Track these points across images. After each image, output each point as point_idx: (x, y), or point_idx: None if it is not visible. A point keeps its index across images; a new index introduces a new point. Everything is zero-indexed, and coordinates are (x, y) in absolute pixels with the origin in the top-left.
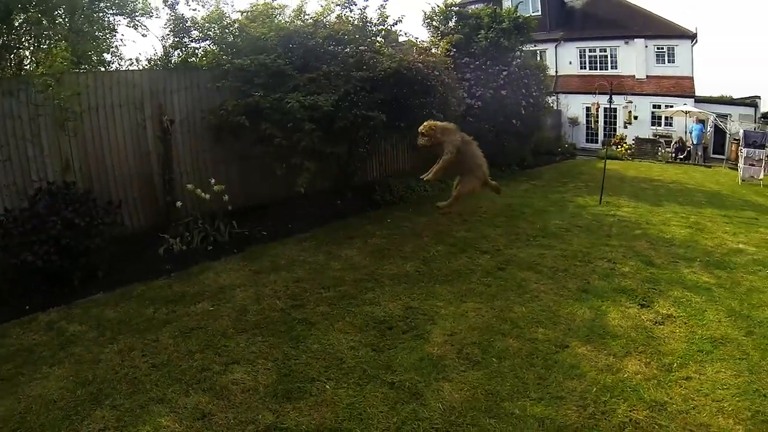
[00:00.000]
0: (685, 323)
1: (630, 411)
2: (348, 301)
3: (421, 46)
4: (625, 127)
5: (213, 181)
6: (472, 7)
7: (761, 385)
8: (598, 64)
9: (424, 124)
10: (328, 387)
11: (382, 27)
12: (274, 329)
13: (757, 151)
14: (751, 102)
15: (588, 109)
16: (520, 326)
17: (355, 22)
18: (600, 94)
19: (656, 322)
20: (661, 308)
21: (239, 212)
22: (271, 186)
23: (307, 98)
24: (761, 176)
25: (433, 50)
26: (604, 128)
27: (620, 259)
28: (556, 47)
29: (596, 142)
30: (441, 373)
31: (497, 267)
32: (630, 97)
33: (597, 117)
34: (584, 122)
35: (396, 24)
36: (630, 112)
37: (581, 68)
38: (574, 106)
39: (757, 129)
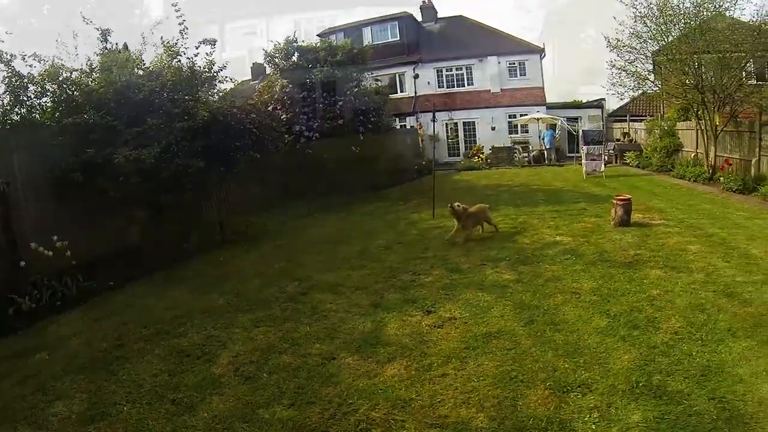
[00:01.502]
0: (465, 323)
1: (370, 410)
2: (162, 336)
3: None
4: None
5: (56, 237)
6: (333, 36)
7: (521, 371)
8: (456, 82)
9: (457, 205)
10: (125, 408)
11: (207, 74)
12: (95, 367)
13: (596, 147)
14: (598, 104)
15: (454, 125)
16: (299, 344)
17: (184, 72)
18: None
19: (435, 326)
20: (445, 312)
21: (88, 265)
22: (119, 236)
23: (133, 152)
24: (602, 168)
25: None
26: (465, 142)
27: (426, 271)
28: (414, 69)
29: (458, 155)
30: (216, 389)
31: (301, 293)
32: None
33: (422, 135)
34: (445, 138)
35: (221, 70)
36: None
37: (439, 87)
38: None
39: (594, 128)
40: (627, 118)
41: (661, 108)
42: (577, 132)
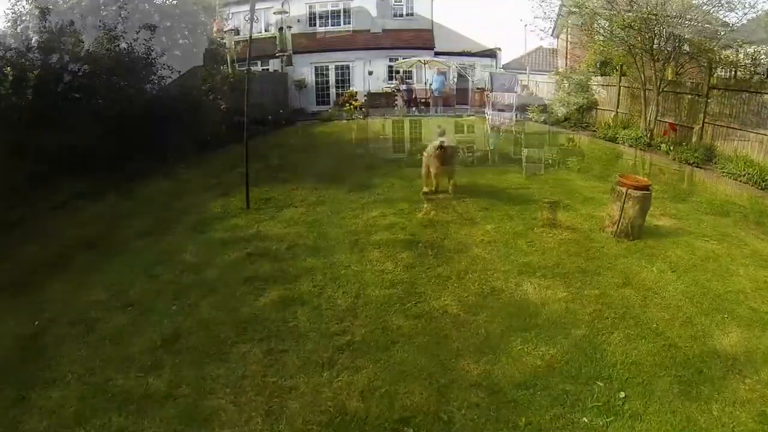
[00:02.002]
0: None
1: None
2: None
3: None
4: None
5: None
6: None
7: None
8: (330, 21)
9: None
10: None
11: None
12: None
13: (506, 94)
14: (491, 53)
15: (317, 69)
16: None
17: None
18: None
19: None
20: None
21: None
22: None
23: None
24: (513, 122)
25: None
26: (336, 88)
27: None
28: (282, 4)
29: (329, 103)
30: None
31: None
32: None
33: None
34: (314, 84)
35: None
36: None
37: (311, 26)
38: (302, 67)
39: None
40: (527, 71)
41: (565, 63)
42: (472, 79)
